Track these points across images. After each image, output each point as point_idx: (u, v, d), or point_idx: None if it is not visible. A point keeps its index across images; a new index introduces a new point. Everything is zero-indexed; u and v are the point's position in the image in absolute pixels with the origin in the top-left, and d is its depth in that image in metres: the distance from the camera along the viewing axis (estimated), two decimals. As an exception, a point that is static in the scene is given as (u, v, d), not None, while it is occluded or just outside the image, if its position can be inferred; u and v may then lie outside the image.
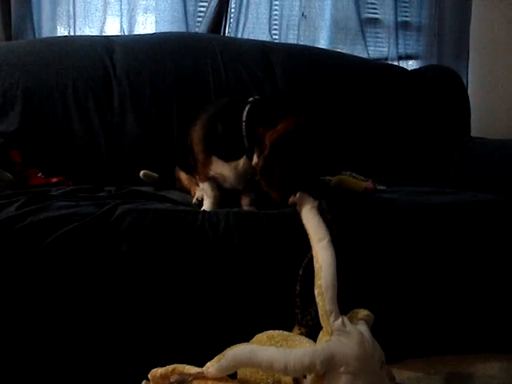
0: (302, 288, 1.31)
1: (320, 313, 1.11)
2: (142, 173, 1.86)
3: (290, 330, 1.31)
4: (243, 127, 1.41)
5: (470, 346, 1.57)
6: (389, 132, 2.25)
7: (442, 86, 2.37)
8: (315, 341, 1.18)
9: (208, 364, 1.11)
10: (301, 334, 1.30)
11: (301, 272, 1.30)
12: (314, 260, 1.16)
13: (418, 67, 2.69)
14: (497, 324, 1.58)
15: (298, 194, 1.31)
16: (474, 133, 2.37)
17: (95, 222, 1.28)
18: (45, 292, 1.24)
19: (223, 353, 1.09)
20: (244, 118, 1.42)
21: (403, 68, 2.61)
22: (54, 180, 1.77)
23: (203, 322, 1.36)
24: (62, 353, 1.29)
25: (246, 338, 1.23)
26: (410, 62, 2.82)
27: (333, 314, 1.09)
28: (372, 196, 1.57)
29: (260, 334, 1.23)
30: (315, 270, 1.15)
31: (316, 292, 1.12)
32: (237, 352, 1.06)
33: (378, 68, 2.46)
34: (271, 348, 1.07)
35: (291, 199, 1.33)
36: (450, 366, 1.50)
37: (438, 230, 1.47)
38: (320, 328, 1.14)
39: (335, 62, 2.34)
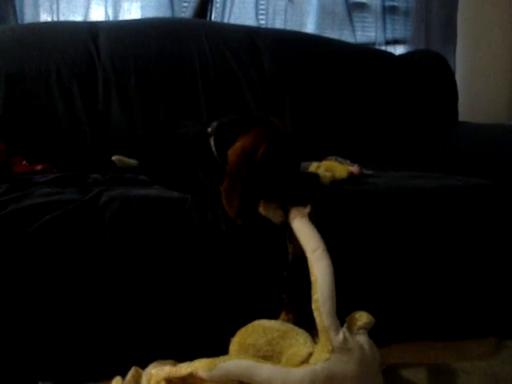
0: (289, 274, 1.31)
1: (318, 328, 1.08)
2: (114, 158, 1.83)
3: (277, 315, 1.31)
4: (219, 161, 1.33)
5: (458, 331, 1.58)
6: (376, 116, 2.25)
7: (429, 71, 2.36)
8: (305, 328, 1.18)
9: (197, 365, 1.09)
10: (288, 319, 1.29)
11: (289, 258, 1.30)
12: (310, 271, 1.13)
13: (405, 52, 2.68)
14: (484, 308, 1.59)
15: (290, 208, 1.25)
16: (461, 117, 2.37)
17: (79, 209, 1.27)
18: (27, 281, 1.23)
19: (215, 361, 1.07)
20: (216, 153, 1.34)
21: (390, 53, 2.60)
22: (39, 167, 1.74)
23: (190, 309, 1.35)
24: (47, 341, 1.28)
25: (236, 324, 1.23)
26: (398, 47, 2.81)
27: (332, 330, 1.05)
28: (358, 181, 1.56)
29: (256, 324, 1.21)
30: (311, 281, 1.11)
31: (313, 307, 1.09)
32: (231, 366, 1.05)
33: (366, 53, 2.45)
34: (267, 366, 1.04)
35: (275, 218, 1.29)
36: (437, 351, 1.51)
37: (425, 215, 1.47)
38: (307, 314, 1.13)
39: (322, 46, 2.32)
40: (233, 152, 1.25)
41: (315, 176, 1.46)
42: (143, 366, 1.28)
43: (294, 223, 1.22)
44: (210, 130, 1.38)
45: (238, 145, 1.25)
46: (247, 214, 1.27)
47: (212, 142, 1.35)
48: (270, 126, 1.30)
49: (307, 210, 1.23)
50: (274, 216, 1.28)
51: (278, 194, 1.27)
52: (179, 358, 1.25)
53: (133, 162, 1.86)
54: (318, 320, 1.08)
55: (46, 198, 1.29)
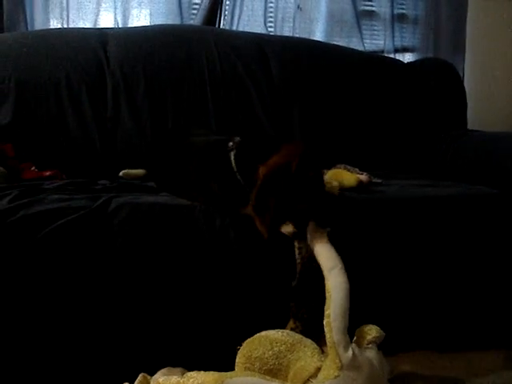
0: (298, 283, 1.31)
1: (328, 344, 1.07)
2: (121, 173, 1.82)
3: (285, 323, 1.31)
4: (238, 177, 1.33)
5: (466, 342, 1.57)
6: (385, 125, 2.24)
7: (438, 79, 2.36)
8: (313, 337, 1.18)
9: (204, 379, 1.08)
10: (296, 327, 1.29)
11: (298, 268, 1.30)
12: (326, 288, 1.13)
13: (414, 60, 2.68)
14: (492, 318, 1.58)
15: (309, 224, 1.25)
16: (470, 125, 2.36)
17: (89, 215, 1.27)
18: (37, 287, 1.23)
19: (222, 377, 1.06)
20: (235, 169, 1.34)
21: (399, 60, 2.60)
22: (48, 174, 1.75)
23: (199, 316, 1.35)
24: (56, 347, 1.28)
25: (243, 333, 1.22)
26: (407, 55, 2.80)
27: (341, 346, 1.05)
28: (367, 189, 1.56)
29: (263, 336, 1.20)
30: (326, 297, 1.12)
31: (324, 322, 1.09)
32: (239, 383, 1.04)
33: (374, 60, 2.44)
34: None
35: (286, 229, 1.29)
36: (445, 362, 1.50)
37: (433, 223, 1.47)
38: (315, 323, 1.13)
39: (331, 54, 2.32)
40: (267, 167, 1.25)
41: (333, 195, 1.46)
42: (152, 373, 1.28)
43: (313, 242, 1.22)
44: (231, 144, 1.37)
45: (271, 161, 1.25)
46: (275, 228, 1.27)
47: (232, 157, 1.34)
48: (296, 143, 1.32)
49: (327, 229, 1.24)
50: (286, 227, 1.29)
51: (306, 215, 1.26)
52: (188, 365, 1.25)
53: (140, 171, 1.85)
54: (327, 336, 1.07)
55: (56, 205, 1.30)
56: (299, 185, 1.23)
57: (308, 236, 1.24)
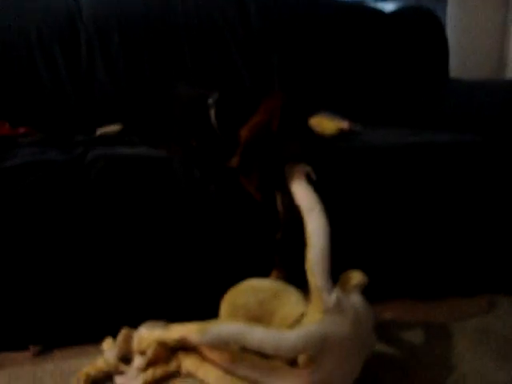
0: (283, 233, 1.30)
1: (311, 288, 1.07)
2: (98, 132, 1.77)
3: (268, 273, 1.30)
4: (219, 134, 1.34)
5: (451, 289, 1.60)
6: (365, 74, 2.20)
7: (420, 28, 2.31)
8: (297, 287, 1.18)
9: (188, 329, 1.09)
10: (279, 277, 1.29)
11: (281, 219, 1.28)
12: (305, 231, 1.11)
13: (395, 9, 2.62)
14: (478, 265, 1.60)
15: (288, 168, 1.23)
16: (452, 74, 2.34)
17: (64, 168, 1.24)
18: (13, 242, 1.22)
19: (205, 325, 1.06)
20: (216, 126, 1.34)
21: (381, 9, 2.54)
22: (22, 130, 1.70)
23: (181, 269, 1.35)
24: (36, 304, 1.28)
25: (227, 283, 1.23)
26: (388, 4, 2.75)
27: (325, 291, 1.04)
28: (347, 137, 1.54)
29: (247, 284, 1.21)
30: (307, 242, 1.10)
31: (306, 266, 1.08)
32: (222, 330, 1.04)
33: (355, 10, 2.37)
34: (259, 329, 1.02)
35: None
36: (429, 309, 1.53)
37: (416, 172, 1.47)
38: (299, 273, 1.12)
39: (311, 3, 2.25)
40: (247, 129, 1.24)
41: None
42: (135, 327, 1.28)
43: (292, 183, 1.20)
44: (210, 101, 1.36)
45: (251, 122, 1.24)
46: (266, 188, 1.25)
47: (213, 115, 1.34)
48: (276, 96, 1.28)
49: (306, 169, 1.21)
50: None
51: (298, 157, 1.24)
52: (171, 318, 1.25)
53: (116, 127, 1.80)
54: (310, 280, 1.07)
55: (30, 159, 1.27)
56: (284, 139, 1.22)
57: (287, 177, 1.22)
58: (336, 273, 1.11)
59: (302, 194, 1.16)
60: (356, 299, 1.10)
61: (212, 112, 1.34)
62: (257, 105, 1.27)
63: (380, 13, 2.43)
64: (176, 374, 1.19)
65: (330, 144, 1.44)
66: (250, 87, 2.04)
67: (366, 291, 1.15)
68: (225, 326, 1.04)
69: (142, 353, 1.20)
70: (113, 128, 1.78)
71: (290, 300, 1.14)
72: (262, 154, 1.21)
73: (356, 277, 1.15)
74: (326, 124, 1.51)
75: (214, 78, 1.99)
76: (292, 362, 1.04)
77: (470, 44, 2.64)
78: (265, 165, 1.22)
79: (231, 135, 1.28)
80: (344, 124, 1.57)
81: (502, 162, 1.55)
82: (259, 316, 1.13)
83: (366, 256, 1.45)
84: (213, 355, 1.11)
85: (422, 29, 2.32)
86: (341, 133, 1.52)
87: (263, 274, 1.28)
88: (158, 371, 1.16)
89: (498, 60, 2.66)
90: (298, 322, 1.07)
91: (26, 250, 1.22)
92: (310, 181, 1.20)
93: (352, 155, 1.42)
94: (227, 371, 1.10)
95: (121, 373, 1.18)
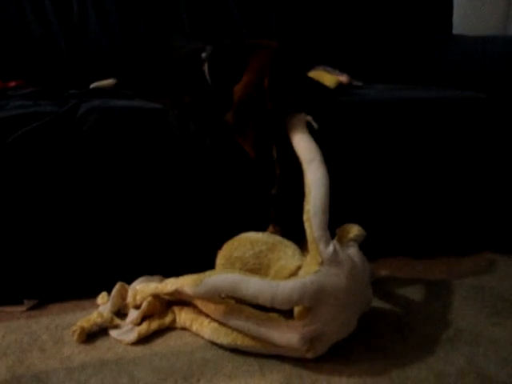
0: (278, 188, 1.28)
1: (308, 240, 1.05)
2: (91, 86, 1.73)
3: (264, 228, 1.29)
4: (213, 89, 1.31)
5: (448, 247, 1.59)
6: (368, 27, 2.16)
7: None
8: (294, 240, 1.17)
9: (183, 281, 1.09)
10: (275, 232, 1.28)
11: (277, 172, 1.27)
12: (305, 183, 1.09)
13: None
14: (478, 223, 1.59)
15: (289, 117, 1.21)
16: (455, 30, 2.29)
17: (56, 121, 1.21)
18: (4, 196, 1.20)
19: (200, 277, 1.06)
20: (210, 82, 1.31)
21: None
22: (13, 84, 1.66)
23: (176, 224, 1.34)
24: (31, 259, 1.27)
25: (222, 238, 1.22)
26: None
27: (322, 242, 1.03)
28: (347, 91, 1.50)
29: (243, 237, 1.20)
30: (305, 193, 1.08)
31: (304, 218, 1.06)
32: (217, 281, 1.03)
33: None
34: (255, 279, 1.01)
35: None
36: (424, 266, 1.53)
37: (416, 127, 1.45)
38: (295, 227, 1.11)
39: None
40: (240, 88, 1.21)
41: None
42: (129, 282, 1.28)
43: (292, 134, 1.17)
44: (204, 55, 1.33)
45: (243, 80, 1.21)
46: (262, 145, 1.23)
47: (206, 70, 1.31)
48: (267, 50, 1.25)
49: (306, 118, 1.19)
50: None
51: (296, 108, 1.22)
52: (167, 273, 1.25)
53: (110, 81, 1.76)
54: (308, 231, 1.05)
55: (21, 111, 1.24)
56: (279, 93, 1.19)
57: (288, 129, 1.19)
58: (332, 228, 1.09)
59: (303, 144, 1.14)
60: (353, 252, 1.09)
61: (205, 66, 1.32)
62: (250, 56, 1.24)
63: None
64: (171, 327, 1.19)
65: (332, 93, 1.41)
66: (245, 37, 1.99)
67: (363, 248, 1.14)
68: (220, 277, 1.04)
69: (137, 307, 1.20)
70: (107, 82, 1.75)
71: (286, 253, 1.13)
72: (256, 113, 1.19)
73: (354, 230, 1.14)
74: (325, 77, 1.48)
75: (210, 34, 1.94)
76: (288, 315, 1.04)
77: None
78: (259, 122, 1.20)
79: (226, 90, 1.25)
80: (343, 78, 1.53)
81: (505, 119, 1.52)
82: (255, 268, 1.13)
83: (363, 212, 1.44)
84: (208, 308, 1.11)
85: (426, -18, 2.25)
86: (340, 86, 1.49)
87: (259, 228, 1.26)
88: (152, 325, 1.17)
89: (503, 15, 2.61)
90: (294, 275, 1.07)
91: (18, 204, 1.21)
92: (311, 131, 1.17)
93: (352, 109, 1.40)
94: (222, 324, 1.10)
95: (115, 326, 1.19)
